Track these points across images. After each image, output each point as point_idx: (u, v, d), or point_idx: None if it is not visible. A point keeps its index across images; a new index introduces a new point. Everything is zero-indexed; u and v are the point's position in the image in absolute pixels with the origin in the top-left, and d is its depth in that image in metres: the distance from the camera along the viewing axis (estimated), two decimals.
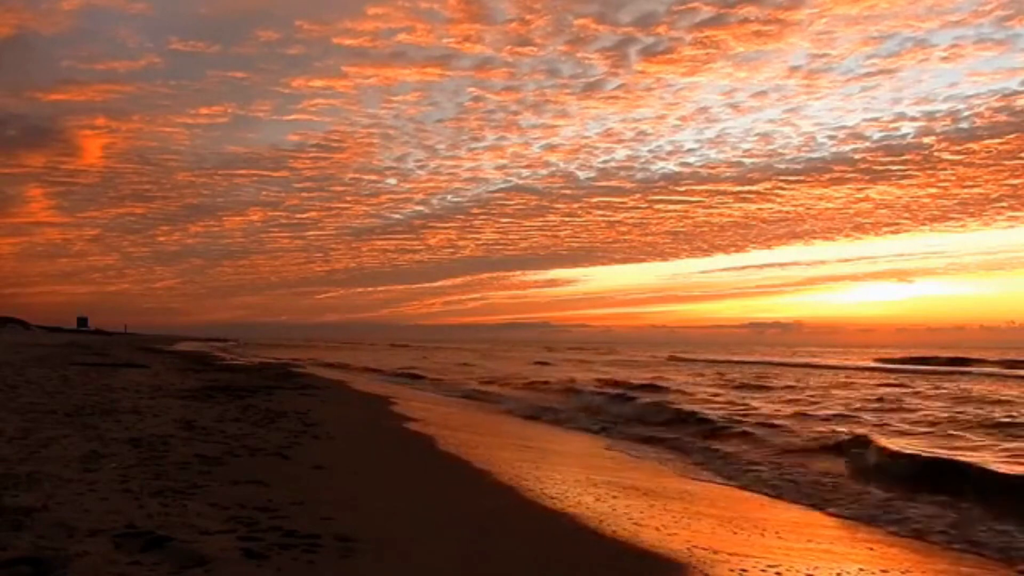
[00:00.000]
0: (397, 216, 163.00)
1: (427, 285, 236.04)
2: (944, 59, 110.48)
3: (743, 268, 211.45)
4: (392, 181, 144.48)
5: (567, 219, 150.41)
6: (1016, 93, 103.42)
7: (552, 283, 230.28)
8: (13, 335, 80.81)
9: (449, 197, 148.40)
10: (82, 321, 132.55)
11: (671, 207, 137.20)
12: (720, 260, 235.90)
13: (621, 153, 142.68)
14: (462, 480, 9.66)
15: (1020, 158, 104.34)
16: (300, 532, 5.97)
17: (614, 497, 8.98)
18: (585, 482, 9.94)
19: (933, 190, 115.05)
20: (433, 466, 10.63)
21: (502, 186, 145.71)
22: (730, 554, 6.57)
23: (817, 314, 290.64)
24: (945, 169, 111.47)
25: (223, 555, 5.23)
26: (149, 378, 22.79)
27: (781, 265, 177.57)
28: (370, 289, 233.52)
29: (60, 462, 8.09)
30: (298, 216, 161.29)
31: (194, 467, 8.42)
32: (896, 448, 12.58)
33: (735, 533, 7.59)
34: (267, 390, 20.36)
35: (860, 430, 15.02)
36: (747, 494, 10.48)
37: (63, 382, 18.85)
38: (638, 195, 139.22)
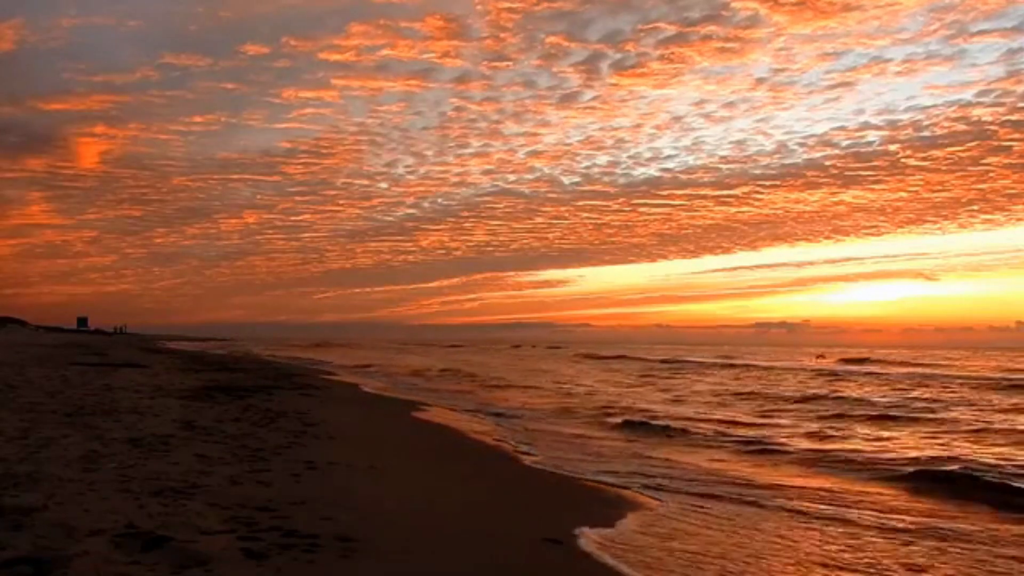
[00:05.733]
0: (389, 219, 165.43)
1: (423, 286, 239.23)
2: (899, 73, 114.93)
3: (755, 267, 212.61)
4: (383, 185, 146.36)
5: (555, 222, 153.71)
6: (971, 104, 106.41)
7: (547, 283, 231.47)
8: (13, 335, 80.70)
9: (440, 200, 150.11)
10: (82, 321, 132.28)
11: (654, 210, 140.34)
12: (709, 261, 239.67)
13: (603, 159, 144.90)
14: (467, 476, 9.66)
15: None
16: (300, 532, 5.96)
17: None
18: None
19: (934, 188, 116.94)
20: (436, 464, 10.62)
21: (490, 190, 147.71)
22: None
23: (826, 314, 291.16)
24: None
25: (223, 555, 5.23)
26: (149, 378, 22.76)
27: (797, 264, 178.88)
28: (367, 290, 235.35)
29: (60, 462, 8.09)
30: (292, 218, 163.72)
31: (194, 467, 8.42)
32: None
33: None
34: (267, 390, 20.35)
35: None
36: None
37: (63, 382, 18.83)
38: (622, 199, 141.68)
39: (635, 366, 48.74)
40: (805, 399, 23.61)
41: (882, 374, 38.26)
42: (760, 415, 19.30)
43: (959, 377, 34.65)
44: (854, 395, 24.87)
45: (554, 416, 18.71)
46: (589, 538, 6.85)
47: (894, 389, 27.99)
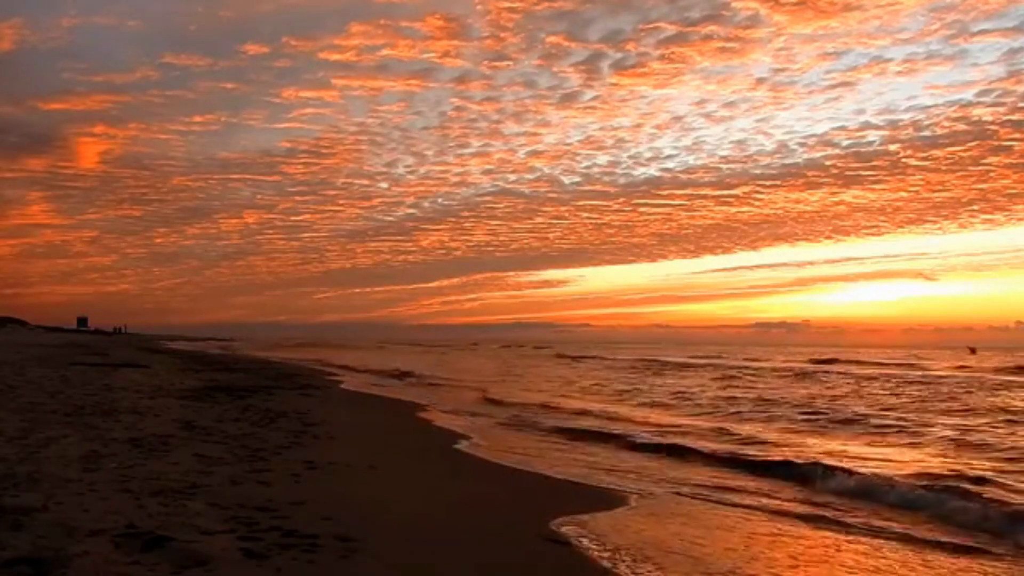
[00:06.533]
0: (389, 219, 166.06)
1: (422, 286, 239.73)
2: (900, 73, 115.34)
3: (755, 267, 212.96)
4: (383, 185, 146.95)
5: (555, 222, 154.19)
6: (972, 104, 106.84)
7: (547, 283, 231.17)
8: (13, 335, 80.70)
9: (440, 200, 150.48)
10: (82, 321, 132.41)
11: (655, 210, 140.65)
12: (709, 261, 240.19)
13: (603, 159, 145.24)
14: (463, 475, 9.67)
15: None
16: (300, 532, 5.97)
17: None
18: None
19: (934, 188, 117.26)
20: (436, 465, 10.63)
21: (490, 190, 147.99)
22: None
23: (826, 314, 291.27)
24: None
25: (223, 555, 5.23)
26: (149, 378, 22.77)
27: (798, 264, 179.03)
28: (367, 290, 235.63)
29: (60, 462, 8.09)
30: (292, 218, 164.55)
31: (194, 467, 8.43)
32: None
33: None
34: (267, 390, 20.37)
35: None
36: None
37: (63, 382, 18.83)
38: (622, 199, 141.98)
39: (603, 366, 48.76)
40: (737, 400, 23.09)
41: (844, 374, 38.16)
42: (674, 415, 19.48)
43: (913, 377, 34.88)
44: (789, 396, 24.37)
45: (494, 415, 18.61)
46: (574, 531, 6.87)
47: (840, 390, 27.54)
